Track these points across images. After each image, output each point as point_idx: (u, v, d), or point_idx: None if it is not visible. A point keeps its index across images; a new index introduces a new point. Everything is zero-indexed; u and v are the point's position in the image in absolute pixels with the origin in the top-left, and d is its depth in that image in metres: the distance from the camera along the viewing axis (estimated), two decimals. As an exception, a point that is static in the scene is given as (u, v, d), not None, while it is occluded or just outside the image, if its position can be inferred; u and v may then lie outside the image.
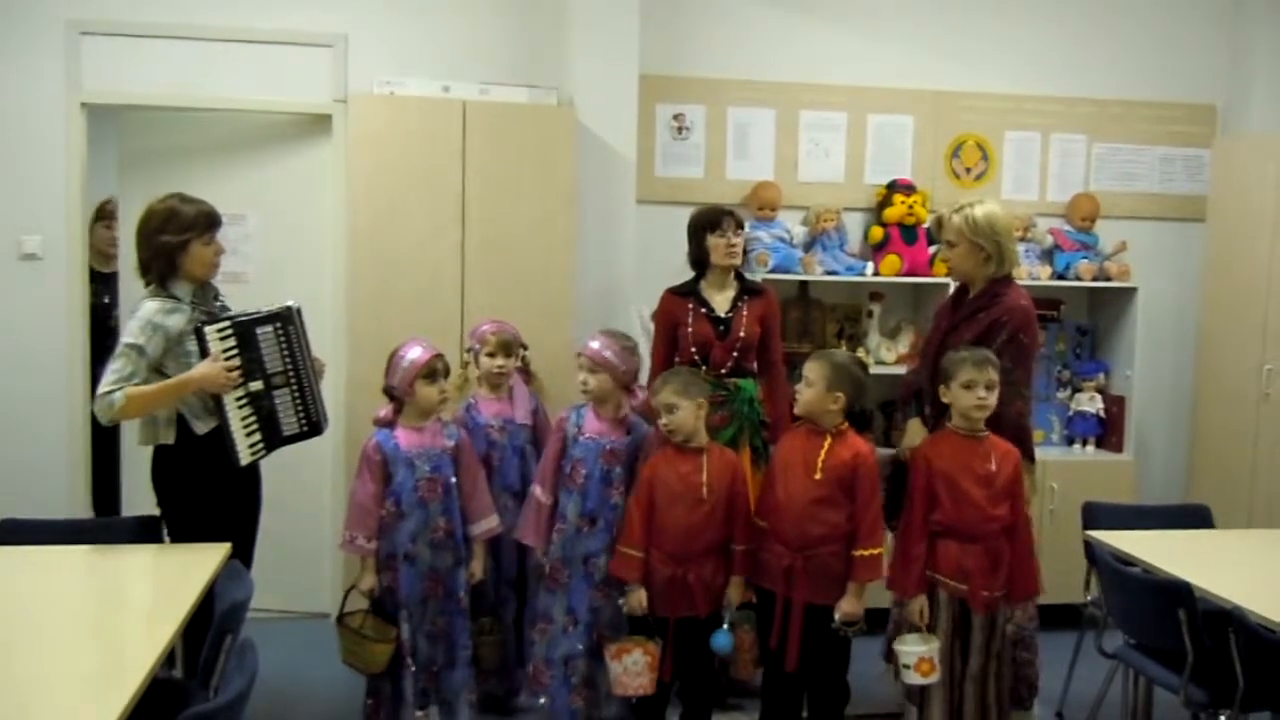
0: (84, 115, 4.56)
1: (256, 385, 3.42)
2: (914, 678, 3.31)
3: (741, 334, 3.91)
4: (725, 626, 3.49)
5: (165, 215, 3.41)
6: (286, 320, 3.52)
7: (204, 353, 3.32)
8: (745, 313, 3.93)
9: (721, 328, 3.92)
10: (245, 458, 3.39)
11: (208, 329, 3.33)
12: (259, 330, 3.44)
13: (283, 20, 4.64)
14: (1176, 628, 3.10)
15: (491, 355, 3.90)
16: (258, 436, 3.42)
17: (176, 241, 3.39)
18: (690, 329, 3.92)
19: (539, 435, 3.99)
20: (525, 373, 4.07)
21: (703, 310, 3.95)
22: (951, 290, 3.95)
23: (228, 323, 3.39)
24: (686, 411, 3.45)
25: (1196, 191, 5.41)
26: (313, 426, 3.59)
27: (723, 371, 3.89)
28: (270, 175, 4.79)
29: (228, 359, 3.33)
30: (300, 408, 3.54)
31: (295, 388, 3.52)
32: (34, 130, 4.52)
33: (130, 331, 3.32)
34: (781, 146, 5.10)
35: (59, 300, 4.58)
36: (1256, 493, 4.91)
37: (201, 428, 3.39)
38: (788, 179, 5.08)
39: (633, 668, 3.48)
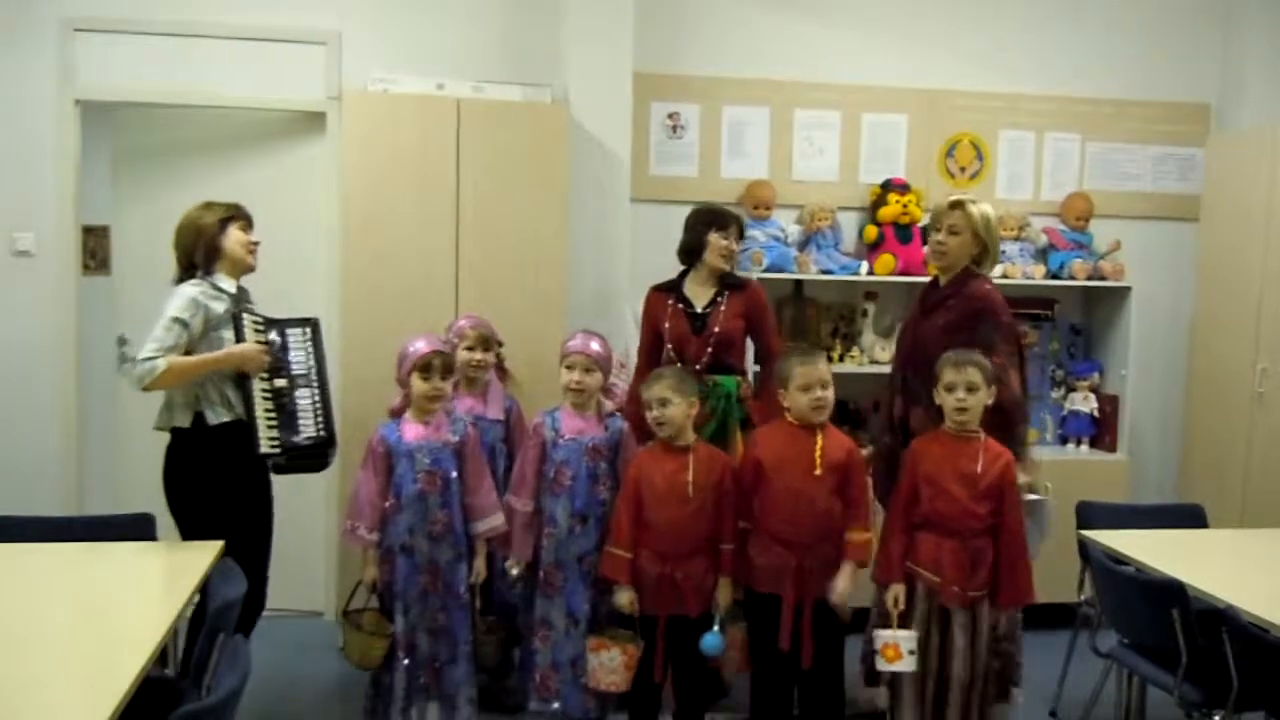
0: (77, 112, 4.55)
1: (281, 382, 3.55)
2: (880, 663, 3.37)
3: (716, 329, 3.89)
4: (715, 628, 3.49)
5: (200, 208, 3.61)
6: (315, 327, 3.70)
7: (239, 339, 3.47)
8: (724, 308, 3.92)
9: (698, 323, 3.92)
10: (265, 446, 3.46)
11: (247, 317, 3.50)
12: (290, 331, 3.62)
13: (277, 17, 4.64)
14: (1170, 627, 3.11)
15: (470, 349, 3.91)
16: (275, 432, 3.49)
17: (214, 221, 3.56)
18: (668, 325, 3.92)
19: (511, 433, 4.00)
20: (500, 370, 4.08)
21: (681, 306, 3.95)
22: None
23: (262, 318, 3.57)
24: (678, 408, 3.46)
25: (1190, 190, 5.41)
26: (329, 436, 3.65)
27: (698, 367, 3.87)
28: (264, 172, 4.78)
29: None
30: (320, 412, 3.61)
31: (315, 392, 3.62)
32: (27, 127, 4.51)
33: (175, 307, 3.44)
34: (776, 145, 5.10)
35: (51, 297, 4.57)
36: (1250, 492, 4.91)
37: (214, 418, 3.46)
38: (782, 178, 5.08)
39: (608, 664, 3.52)
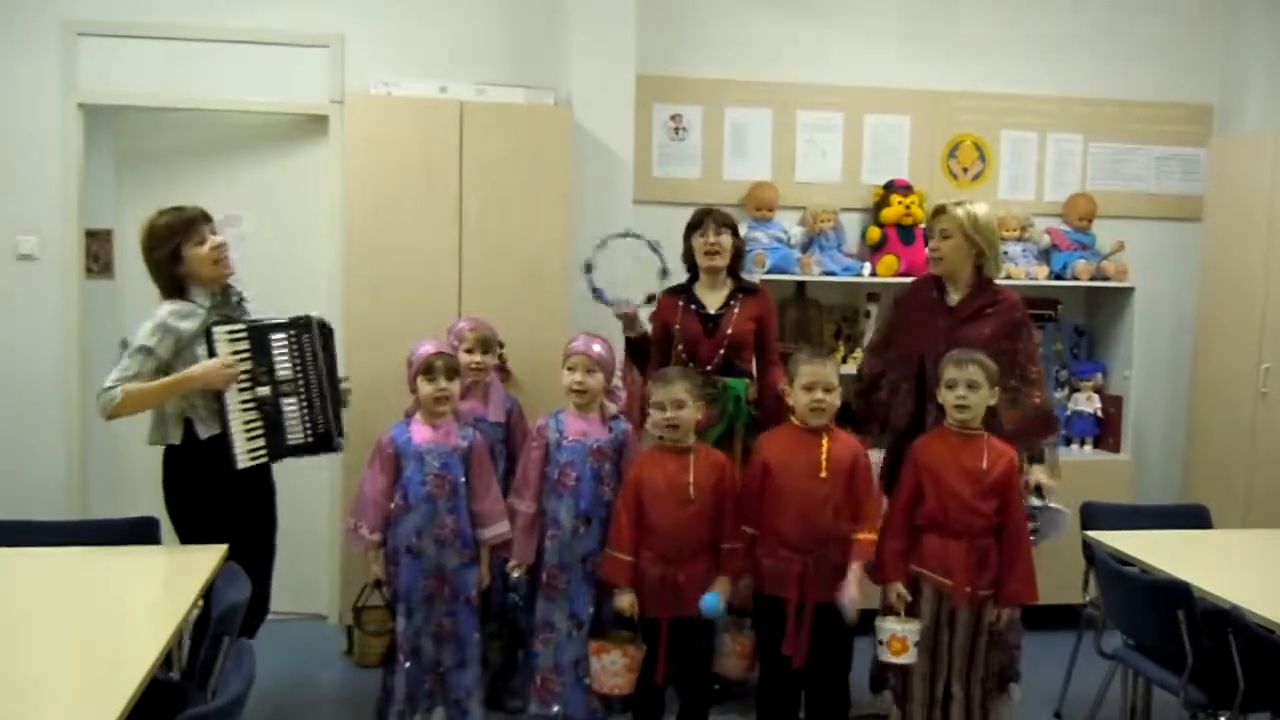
0: (80, 116, 4.55)
1: (264, 390, 3.43)
2: (886, 655, 3.35)
3: (730, 331, 3.89)
4: (714, 590, 3.45)
5: (149, 234, 3.45)
6: (303, 329, 3.53)
7: (212, 354, 3.35)
8: (737, 311, 3.93)
9: (710, 325, 3.92)
10: (243, 461, 3.39)
11: (218, 330, 3.37)
12: (273, 336, 3.47)
13: (279, 20, 4.63)
14: (1175, 628, 3.11)
15: (470, 351, 3.90)
16: (260, 442, 3.43)
17: (167, 253, 3.42)
18: (679, 326, 3.92)
19: (512, 434, 4.00)
20: (502, 371, 4.08)
21: (692, 308, 3.95)
22: (923, 285, 3.91)
23: (242, 326, 3.43)
24: (691, 411, 3.47)
25: (1193, 191, 5.42)
26: (320, 439, 3.56)
27: (709, 369, 3.87)
28: (267, 176, 4.78)
29: (238, 361, 3.37)
30: (308, 418, 3.53)
31: (304, 397, 3.52)
32: (30, 131, 4.51)
33: (142, 333, 3.35)
34: (778, 147, 5.10)
35: (55, 301, 4.57)
36: (1254, 492, 4.91)
37: (205, 431, 3.41)
38: (785, 179, 5.08)
39: (610, 667, 3.52)
